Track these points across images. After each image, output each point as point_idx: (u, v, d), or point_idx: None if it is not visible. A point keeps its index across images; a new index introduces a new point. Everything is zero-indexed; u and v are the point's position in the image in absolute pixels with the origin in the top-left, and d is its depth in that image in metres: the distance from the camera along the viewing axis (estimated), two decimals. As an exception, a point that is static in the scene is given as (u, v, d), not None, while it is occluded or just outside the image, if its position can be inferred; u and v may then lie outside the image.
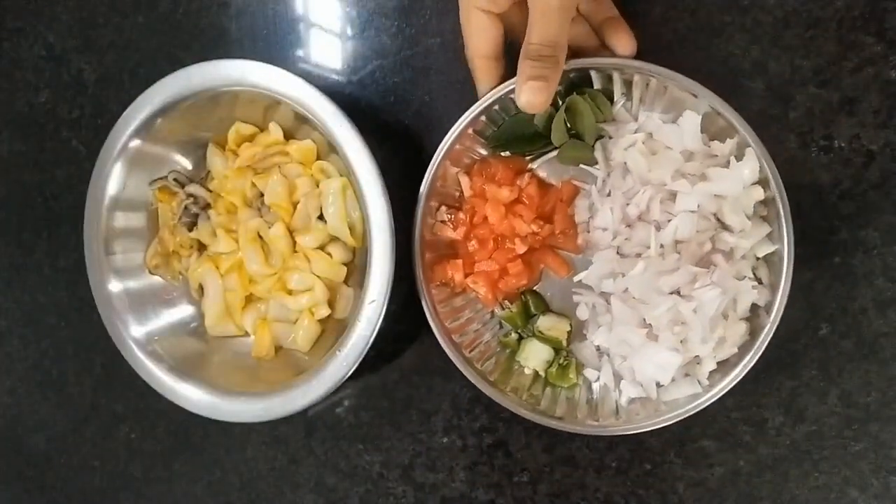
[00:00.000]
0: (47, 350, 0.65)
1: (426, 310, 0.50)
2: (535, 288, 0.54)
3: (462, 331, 0.53)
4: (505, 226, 0.52)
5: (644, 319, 0.49)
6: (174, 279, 0.58)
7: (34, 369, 0.66)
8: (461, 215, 0.53)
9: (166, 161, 0.57)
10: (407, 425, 0.57)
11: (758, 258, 0.49)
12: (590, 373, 0.52)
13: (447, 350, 0.50)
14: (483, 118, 0.51)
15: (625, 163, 0.50)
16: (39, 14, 0.64)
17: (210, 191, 0.57)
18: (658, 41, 0.52)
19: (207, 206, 0.57)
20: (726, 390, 0.47)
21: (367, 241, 0.49)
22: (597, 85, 0.51)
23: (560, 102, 0.51)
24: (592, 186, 0.52)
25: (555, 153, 0.53)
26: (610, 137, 0.52)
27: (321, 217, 0.54)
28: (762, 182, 0.47)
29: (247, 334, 0.57)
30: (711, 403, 0.47)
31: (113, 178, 0.54)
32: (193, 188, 0.56)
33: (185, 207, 0.56)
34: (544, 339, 0.53)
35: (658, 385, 0.50)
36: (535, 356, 0.53)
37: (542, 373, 0.53)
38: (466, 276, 0.53)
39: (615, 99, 0.51)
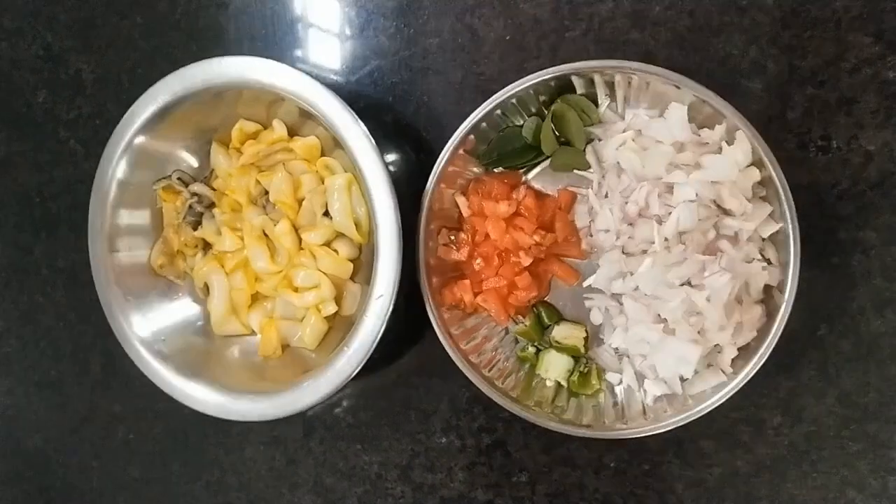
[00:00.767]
0: (45, 350, 0.65)
1: (439, 334, 0.50)
2: (545, 299, 0.54)
3: (479, 350, 0.53)
4: (507, 240, 0.52)
5: (659, 315, 0.48)
6: (179, 279, 0.58)
7: (32, 370, 0.66)
8: (463, 235, 0.53)
9: (171, 159, 0.57)
10: (406, 426, 0.57)
11: (764, 239, 0.48)
12: (612, 377, 0.52)
13: (465, 370, 0.50)
14: (472, 137, 0.51)
15: (618, 162, 0.51)
16: (38, 14, 0.64)
17: (214, 189, 0.57)
18: (657, 41, 0.52)
19: (212, 205, 0.57)
20: (751, 376, 0.47)
21: (373, 237, 0.49)
22: (579, 90, 0.51)
23: (546, 112, 0.52)
24: (589, 190, 0.52)
25: (547, 162, 0.53)
26: (599, 140, 0.52)
27: (326, 213, 0.54)
28: (756, 163, 0.47)
29: (253, 333, 0.57)
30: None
31: (117, 176, 0.54)
32: (197, 187, 0.56)
33: (190, 206, 0.56)
34: (562, 348, 0.53)
35: (682, 379, 0.49)
36: (554, 367, 0.53)
37: (564, 383, 0.53)
38: (476, 295, 0.53)
39: (599, 101, 0.51)
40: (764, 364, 0.47)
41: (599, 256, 0.52)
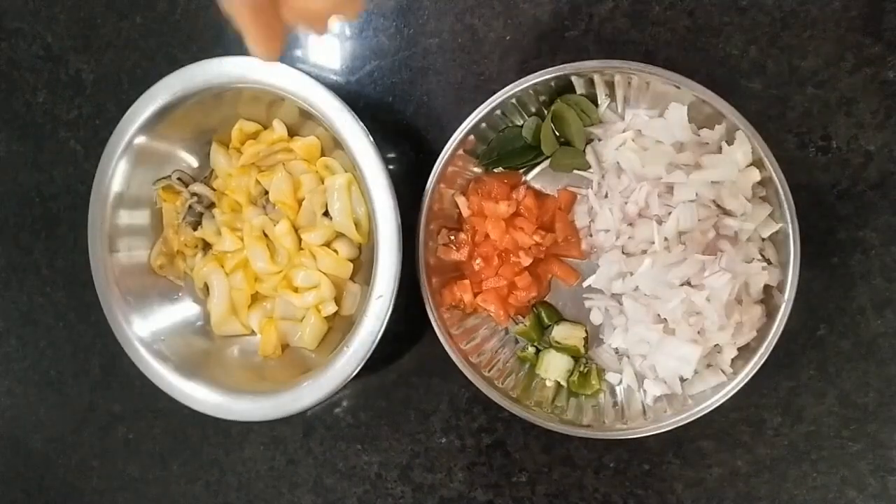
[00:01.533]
0: (45, 350, 0.65)
1: (439, 334, 0.50)
2: (545, 299, 0.54)
3: (478, 351, 0.53)
4: (507, 240, 0.52)
5: (658, 315, 0.49)
6: (179, 279, 0.58)
7: (32, 370, 0.66)
8: (463, 236, 0.53)
9: (171, 159, 0.57)
10: (405, 426, 0.57)
11: (764, 239, 0.48)
12: (612, 377, 0.52)
13: (465, 370, 0.50)
14: (472, 137, 0.51)
15: (618, 162, 0.51)
16: (37, 14, 0.64)
17: (214, 189, 0.57)
18: (657, 41, 0.52)
19: (212, 205, 0.57)
20: (751, 376, 0.47)
21: (373, 237, 0.49)
22: (580, 90, 0.51)
23: (546, 112, 0.52)
24: (589, 190, 0.52)
25: (547, 162, 0.53)
26: (599, 140, 0.52)
27: (326, 214, 0.54)
28: (756, 163, 0.47)
29: (253, 333, 0.57)
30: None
31: (117, 176, 0.54)
32: (197, 187, 0.56)
33: (190, 207, 0.56)
34: (562, 348, 0.53)
35: (682, 380, 0.49)
36: (554, 367, 0.53)
37: (563, 383, 0.53)
38: (476, 295, 0.53)
39: (599, 101, 0.51)
40: (764, 364, 0.47)
41: (599, 256, 0.52)
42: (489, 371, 0.52)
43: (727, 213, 0.48)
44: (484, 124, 0.51)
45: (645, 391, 0.51)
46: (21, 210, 0.65)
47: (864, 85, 0.50)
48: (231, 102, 0.53)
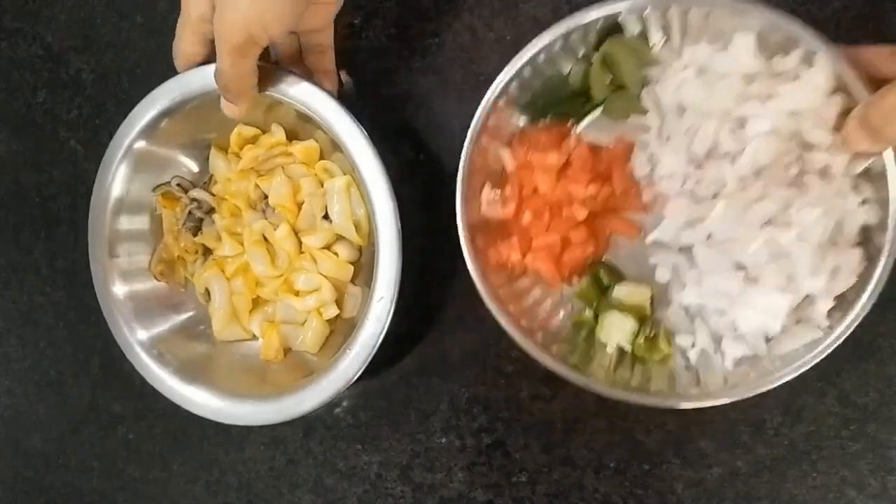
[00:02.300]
0: (45, 350, 0.65)
1: (485, 299, 0.46)
2: (603, 259, 0.49)
3: (528, 315, 0.48)
4: (559, 192, 0.47)
5: (738, 262, 0.42)
6: (180, 285, 0.58)
7: (32, 370, 0.66)
8: (508, 190, 0.48)
9: (171, 164, 0.57)
10: (405, 426, 0.57)
11: (854, 176, 0.42)
12: (683, 339, 0.46)
13: (517, 338, 0.46)
14: (514, 86, 0.46)
15: (678, 103, 0.45)
16: (37, 14, 0.64)
17: (214, 195, 0.57)
18: (656, 41, 0.52)
19: (211, 211, 0.57)
20: (850, 330, 0.42)
21: (373, 239, 0.49)
22: (632, 30, 0.46)
23: (595, 55, 0.47)
24: (648, 135, 0.47)
25: (597, 113, 0.49)
26: (656, 81, 0.46)
27: (326, 217, 0.54)
28: (841, 88, 0.41)
29: (255, 338, 0.57)
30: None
31: (117, 181, 0.54)
32: (197, 192, 0.56)
33: (189, 212, 0.56)
34: (625, 308, 0.47)
35: (767, 340, 0.44)
36: (617, 329, 0.47)
37: (627, 347, 0.47)
38: (524, 255, 0.48)
39: (654, 41, 0.46)
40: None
41: (664, 207, 0.46)
42: (540, 338, 0.47)
43: (810, 147, 0.42)
44: (528, 70, 0.46)
45: (724, 353, 0.45)
46: (21, 210, 0.65)
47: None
48: None
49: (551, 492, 0.55)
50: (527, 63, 0.46)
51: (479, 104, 0.48)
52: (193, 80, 0.50)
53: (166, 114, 0.52)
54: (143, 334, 0.54)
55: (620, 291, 0.48)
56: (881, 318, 0.51)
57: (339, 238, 0.54)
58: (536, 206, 0.48)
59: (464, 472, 0.56)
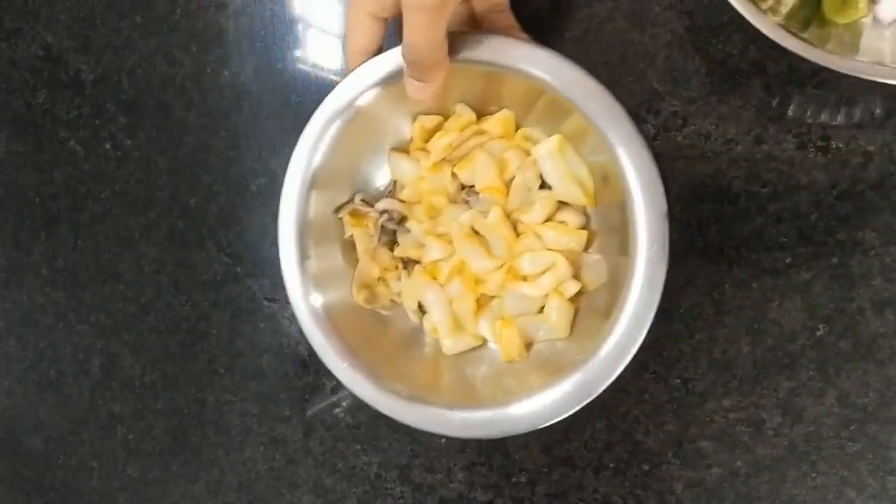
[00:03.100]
0: (45, 351, 0.65)
1: None
2: None
3: None
4: None
5: None
6: (385, 309, 0.53)
7: (32, 370, 0.66)
8: None
9: (345, 181, 0.51)
10: (405, 426, 0.57)
11: None
12: (886, 5, 0.37)
13: None
14: None
15: None
16: (37, 14, 0.64)
17: (403, 202, 0.52)
18: (657, 41, 0.52)
19: (403, 220, 0.52)
20: None
21: (606, 196, 0.44)
22: None
23: None
24: None
25: None
26: None
27: (541, 187, 0.49)
28: None
29: (485, 343, 0.51)
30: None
31: (306, 216, 0.49)
32: (385, 203, 0.51)
33: (382, 226, 0.51)
34: None
35: None
36: None
37: None
38: None
39: None
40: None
41: None
42: None
43: None
44: None
45: None
46: (20, 210, 0.65)
47: (864, 85, 0.50)
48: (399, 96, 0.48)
49: (551, 492, 0.55)
50: None
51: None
52: (365, 77, 0.46)
53: (345, 121, 0.47)
54: (366, 370, 0.48)
55: None
56: (881, 319, 0.51)
57: (561, 206, 0.49)
58: None
59: (463, 472, 0.56)
